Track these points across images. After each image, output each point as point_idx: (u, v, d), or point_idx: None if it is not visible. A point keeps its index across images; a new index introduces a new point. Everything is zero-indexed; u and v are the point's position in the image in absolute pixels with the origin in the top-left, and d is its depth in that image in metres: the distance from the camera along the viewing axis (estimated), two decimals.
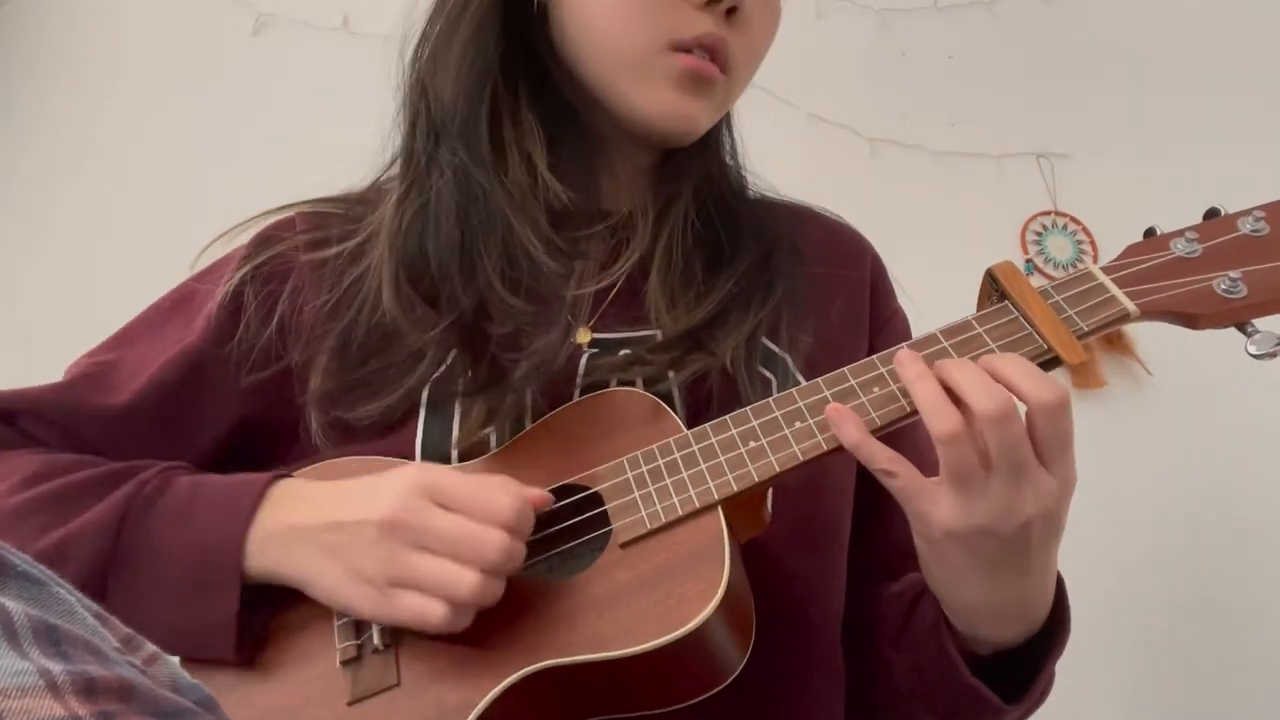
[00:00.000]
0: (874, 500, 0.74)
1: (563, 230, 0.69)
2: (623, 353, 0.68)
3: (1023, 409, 0.54)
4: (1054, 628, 0.63)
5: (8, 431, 0.69)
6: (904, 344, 0.61)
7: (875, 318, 0.79)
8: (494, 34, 0.71)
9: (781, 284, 0.72)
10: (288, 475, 0.63)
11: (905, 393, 0.58)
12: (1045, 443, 0.54)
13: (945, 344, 0.60)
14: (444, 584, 0.54)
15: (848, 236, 0.85)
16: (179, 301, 0.76)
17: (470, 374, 0.65)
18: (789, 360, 0.70)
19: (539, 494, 0.58)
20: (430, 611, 0.55)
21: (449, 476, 0.57)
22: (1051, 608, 0.62)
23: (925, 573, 0.62)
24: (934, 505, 0.56)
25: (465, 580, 0.54)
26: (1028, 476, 0.53)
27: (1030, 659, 0.63)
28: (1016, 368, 0.54)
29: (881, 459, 0.57)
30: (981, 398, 0.53)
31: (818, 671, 0.70)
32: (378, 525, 0.55)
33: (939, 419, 0.53)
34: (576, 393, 0.66)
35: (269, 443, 0.71)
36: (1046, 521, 0.55)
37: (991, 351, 0.58)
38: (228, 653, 0.59)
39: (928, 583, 0.63)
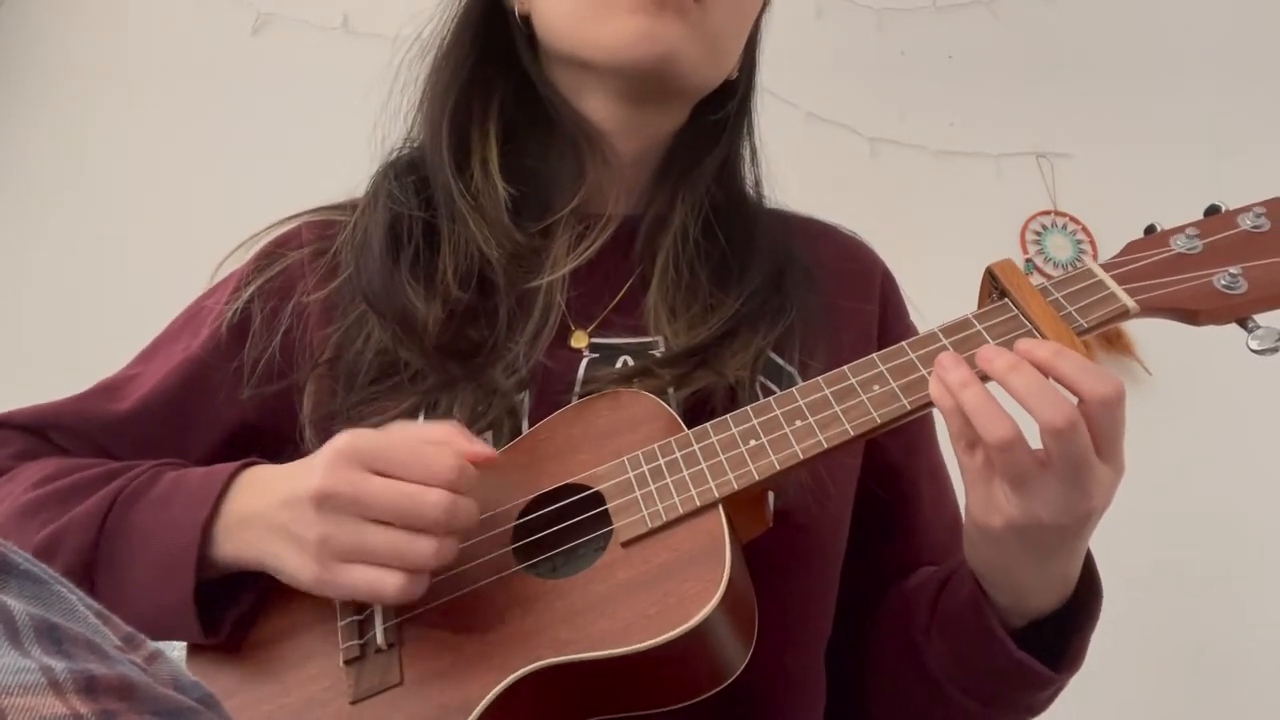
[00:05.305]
0: (898, 506, 0.75)
1: (530, 225, 0.71)
2: (623, 359, 0.69)
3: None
4: (1088, 593, 0.63)
5: (39, 444, 0.72)
6: (904, 342, 0.60)
7: (884, 336, 0.78)
8: (469, 54, 0.74)
9: (794, 308, 0.72)
10: (258, 463, 0.64)
11: (906, 390, 0.58)
12: (1103, 436, 0.53)
13: (945, 341, 0.59)
14: (400, 553, 0.54)
15: (861, 256, 0.84)
16: (190, 317, 0.78)
17: (453, 368, 0.66)
18: (796, 376, 0.69)
19: (482, 451, 0.57)
20: (386, 583, 0.54)
21: (380, 439, 0.56)
22: (1080, 572, 0.62)
23: (974, 556, 0.62)
24: (999, 498, 0.55)
25: (419, 547, 0.54)
26: (1090, 473, 0.53)
27: (1061, 625, 0.63)
28: (1069, 363, 0.53)
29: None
30: (1045, 409, 0.51)
31: (803, 686, 0.69)
32: (312, 498, 0.55)
33: (994, 426, 0.52)
34: (574, 399, 0.67)
35: (270, 448, 0.72)
36: (1103, 510, 0.55)
37: (1030, 334, 0.58)
38: (194, 634, 0.59)
39: (975, 566, 0.62)
